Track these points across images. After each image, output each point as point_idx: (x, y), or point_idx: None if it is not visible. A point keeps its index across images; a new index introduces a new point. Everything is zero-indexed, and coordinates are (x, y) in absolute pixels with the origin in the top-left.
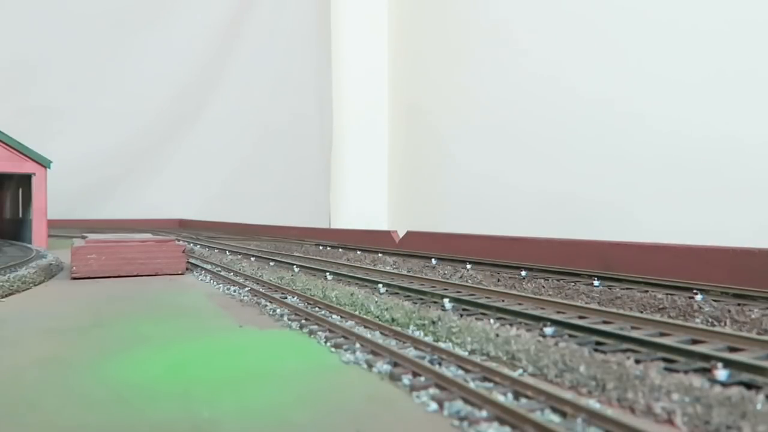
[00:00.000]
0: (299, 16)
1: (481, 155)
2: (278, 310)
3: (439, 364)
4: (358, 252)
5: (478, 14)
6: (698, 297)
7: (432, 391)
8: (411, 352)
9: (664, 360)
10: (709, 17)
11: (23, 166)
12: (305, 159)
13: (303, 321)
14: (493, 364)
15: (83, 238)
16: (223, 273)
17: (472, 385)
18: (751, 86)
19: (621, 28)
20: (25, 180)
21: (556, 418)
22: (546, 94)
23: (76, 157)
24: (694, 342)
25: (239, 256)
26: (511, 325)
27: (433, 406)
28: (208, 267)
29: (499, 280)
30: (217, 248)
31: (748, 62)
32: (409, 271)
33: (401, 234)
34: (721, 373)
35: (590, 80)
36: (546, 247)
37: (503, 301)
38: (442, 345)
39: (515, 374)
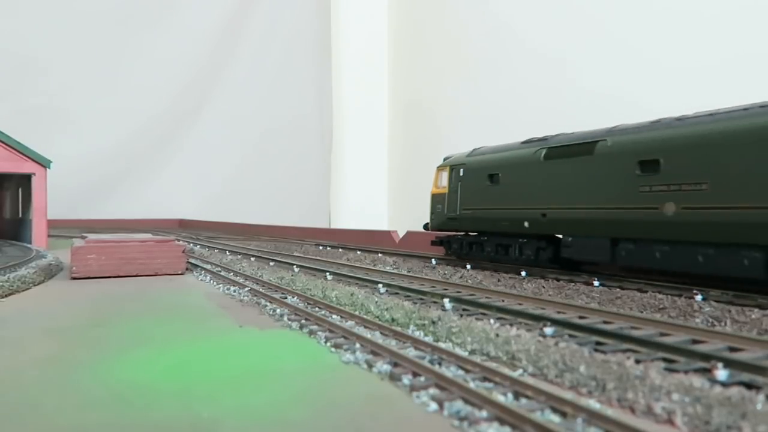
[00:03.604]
0: (299, 16)
1: None
2: (278, 310)
3: (439, 364)
4: (358, 252)
5: (478, 10)
6: (698, 297)
7: (432, 391)
8: (411, 352)
9: (664, 360)
10: (711, 7)
11: (23, 166)
12: (305, 159)
13: (303, 321)
14: (493, 364)
15: (83, 238)
16: (223, 273)
17: (472, 385)
18: (755, 76)
19: (623, 18)
20: (25, 180)
21: (556, 418)
22: (548, 88)
23: (76, 157)
24: (694, 342)
25: (239, 256)
26: (511, 325)
27: (433, 406)
28: (208, 267)
29: (499, 280)
30: (217, 248)
31: (753, 51)
32: (409, 271)
33: (401, 234)
34: (721, 373)
35: (593, 73)
36: None
37: (503, 301)
38: (442, 345)
39: (515, 374)
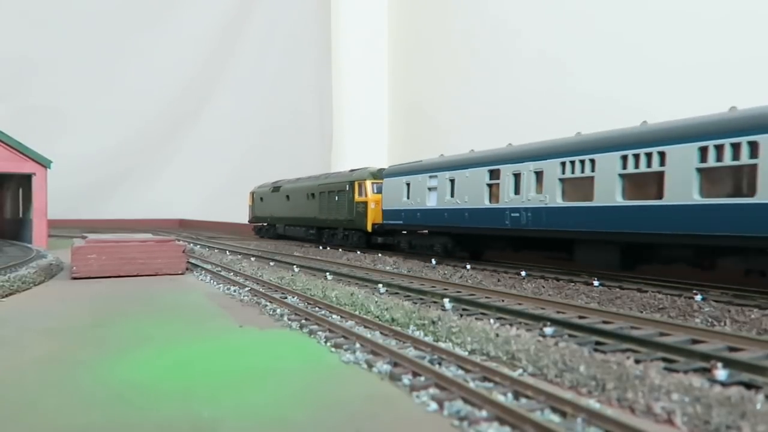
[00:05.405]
0: (299, 16)
1: None
2: (278, 310)
3: (439, 364)
4: (358, 252)
5: (478, 12)
6: (698, 297)
7: (432, 391)
8: (411, 352)
9: (664, 360)
10: (710, 11)
11: (23, 166)
12: (305, 159)
13: (303, 321)
14: (493, 364)
15: (83, 237)
16: (223, 273)
17: (472, 385)
18: (755, 79)
19: (623, 23)
20: (25, 180)
21: (556, 418)
22: (547, 90)
23: (76, 157)
24: (694, 342)
25: (239, 256)
26: (511, 325)
27: (433, 406)
28: (209, 267)
29: (499, 280)
30: (217, 248)
31: (753, 54)
32: (409, 271)
33: None
34: (721, 373)
35: (592, 76)
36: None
37: (503, 301)
38: (442, 345)
39: (515, 374)
